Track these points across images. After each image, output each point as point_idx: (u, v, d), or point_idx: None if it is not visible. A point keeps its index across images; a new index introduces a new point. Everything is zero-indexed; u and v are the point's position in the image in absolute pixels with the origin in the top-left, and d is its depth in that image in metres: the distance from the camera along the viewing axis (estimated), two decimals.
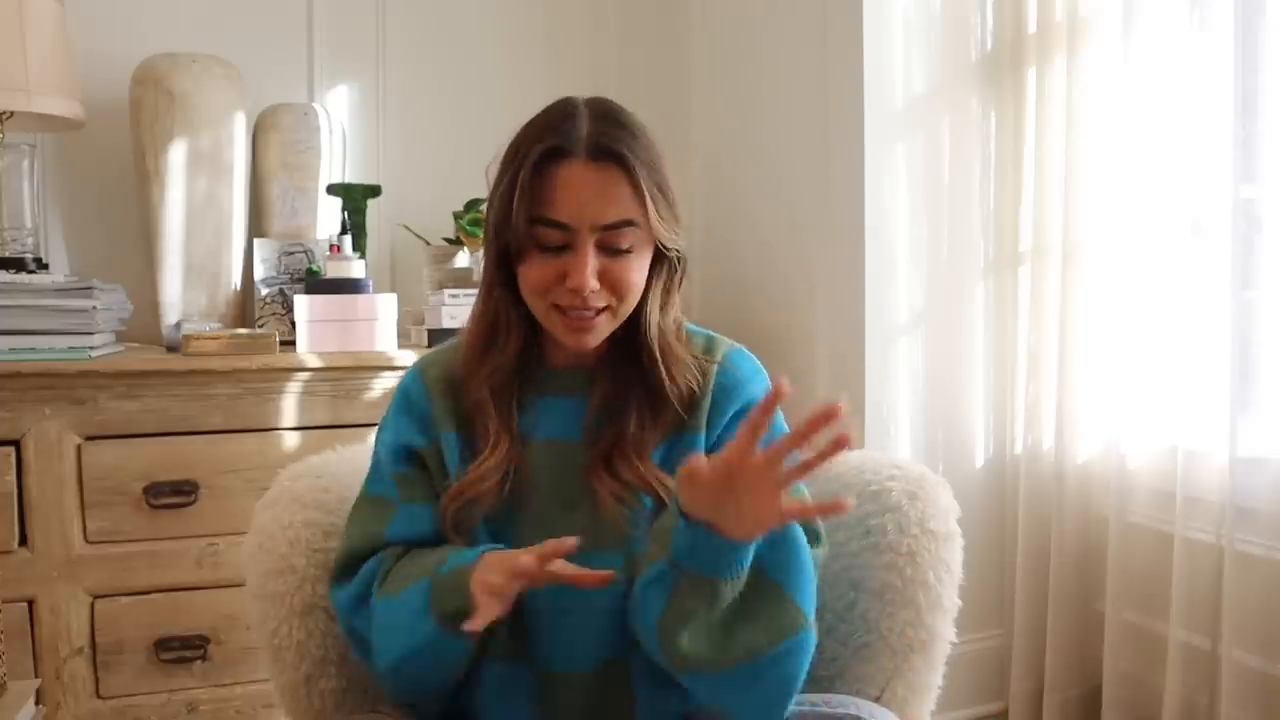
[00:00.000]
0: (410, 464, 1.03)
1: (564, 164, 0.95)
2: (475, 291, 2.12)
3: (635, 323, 1.02)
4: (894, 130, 1.96)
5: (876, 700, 1.12)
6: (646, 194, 0.95)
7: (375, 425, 1.87)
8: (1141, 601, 1.77)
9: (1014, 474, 2.04)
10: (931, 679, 1.17)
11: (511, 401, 1.02)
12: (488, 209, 1.03)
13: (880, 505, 1.17)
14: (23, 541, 1.69)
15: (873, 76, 1.93)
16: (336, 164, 2.24)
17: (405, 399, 1.07)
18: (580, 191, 0.94)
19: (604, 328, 0.99)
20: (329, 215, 2.20)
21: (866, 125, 1.93)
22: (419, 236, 2.25)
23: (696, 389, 1.02)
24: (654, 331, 1.01)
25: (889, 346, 1.98)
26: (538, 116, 1.00)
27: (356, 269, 1.99)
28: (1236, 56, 1.57)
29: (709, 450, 1.01)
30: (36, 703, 1.47)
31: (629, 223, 0.95)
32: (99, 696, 1.74)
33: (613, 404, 1.01)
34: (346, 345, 1.90)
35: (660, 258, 1.01)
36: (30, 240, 1.92)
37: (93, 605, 1.73)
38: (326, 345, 1.90)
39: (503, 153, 1.00)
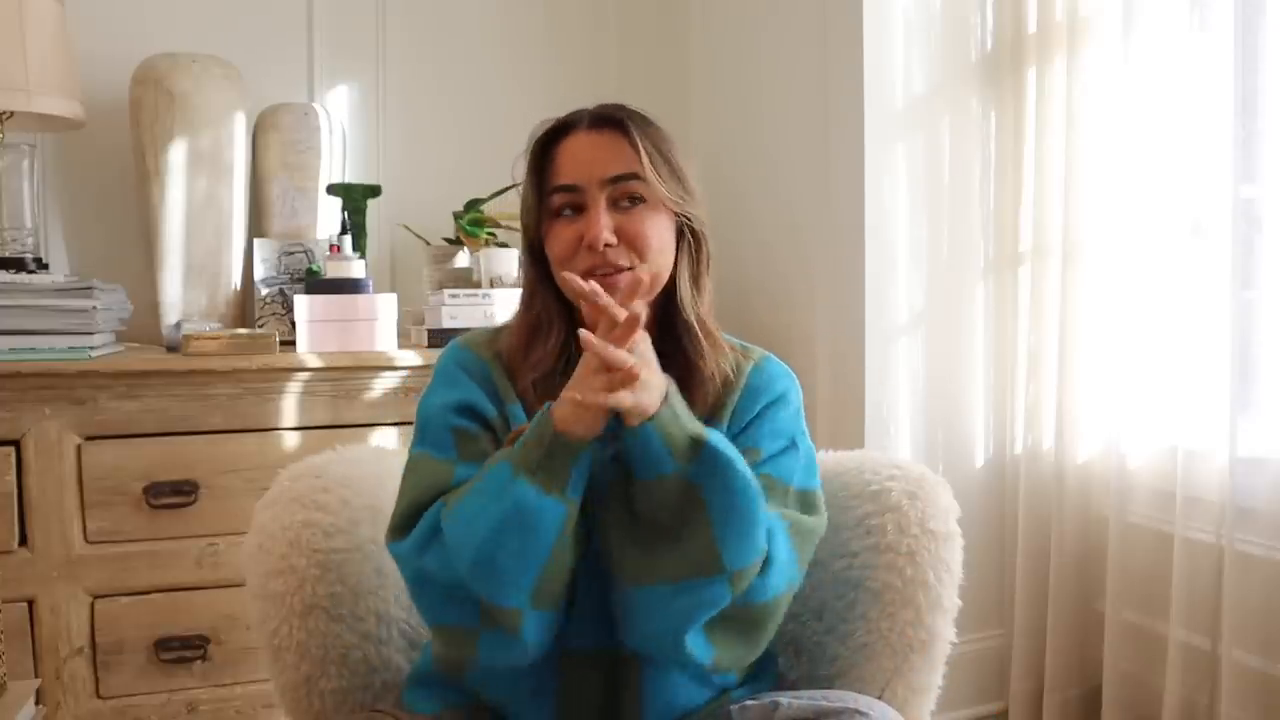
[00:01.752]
0: (471, 420, 1.01)
1: (568, 137, 1.03)
2: (475, 291, 2.14)
3: (671, 307, 1.04)
4: (894, 130, 1.96)
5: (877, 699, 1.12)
6: (642, 150, 1.00)
7: (375, 425, 1.90)
8: (1141, 601, 1.77)
9: (1014, 474, 2.03)
10: (931, 679, 1.17)
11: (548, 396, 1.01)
12: (521, 217, 1.07)
13: (880, 505, 1.17)
14: (23, 541, 1.69)
15: (873, 76, 1.93)
16: (336, 164, 2.24)
17: (460, 366, 1.05)
18: (584, 153, 1.01)
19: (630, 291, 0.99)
20: (329, 215, 2.20)
21: (866, 125, 1.93)
22: (419, 236, 2.25)
23: (731, 377, 1.05)
24: (689, 302, 1.04)
25: (889, 346, 1.98)
26: None
27: (356, 269, 1.98)
28: (1236, 56, 1.57)
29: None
30: (36, 703, 1.47)
31: (634, 175, 1.00)
32: (99, 696, 1.74)
33: None
34: (346, 345, 1.90)
35: (681, 234, 1.04)
36: (30, 240, 1.92)
37: (93, 605, 1.73)
38: (326, 345, 1.90)
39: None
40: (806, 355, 2.10)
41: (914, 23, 1.96)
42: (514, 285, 2.07)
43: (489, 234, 2.16)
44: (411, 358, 1.90)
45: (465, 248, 2.22)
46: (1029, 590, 1.95)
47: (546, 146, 1.03)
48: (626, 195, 1.00)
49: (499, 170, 2.21)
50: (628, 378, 0.87)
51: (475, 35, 2.43)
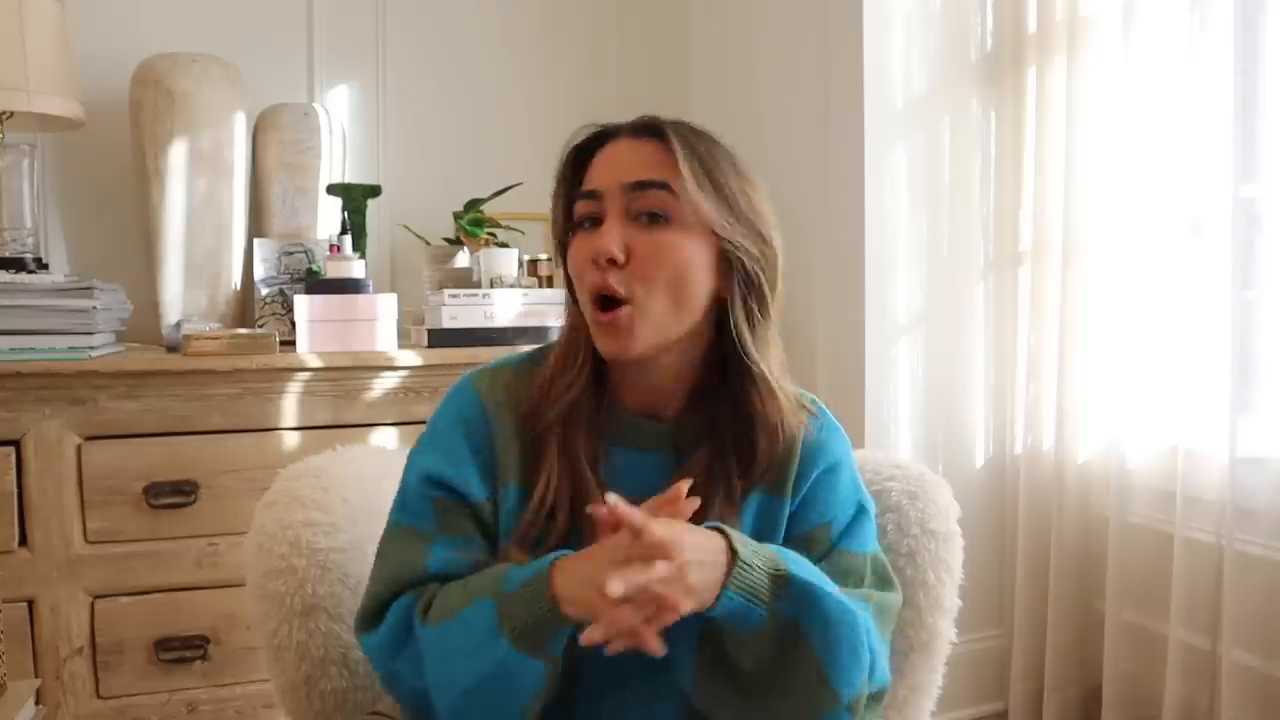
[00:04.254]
0: (451, 494, 0.92)
1: (606, 145, 0.93)
2: (475, 291, 2.14)
3: (730, 349, 0.92)
4: (894, 130, 1.96)
5: None
6: (680, 158, 0.87)
7: (375, 425, 1.89)
8: (1141, 601, 1.77)
9: (1014, 474, 2.04)
10: (931, 679, 1.17)
11: (578, 434, 0.92)
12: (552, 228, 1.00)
13: (880, 505, 1.17)
14: (23, 541, 1.69)
15: (873, 76, 1.93)
16: (336, 164, 2.24)
17: (462, 429, 0.94)
18: (614, 160, 0.91)
19: (633, 330, 0.88)
20: (329, 215, 2.20)
21: (866, 125, 1.93)
22: (419, 236, 2.25)
23: (793, 437, 0.94)
24: (750, 349, 0.91)
25: (889, 346, 1.98)
26: None
27: (356, 269, 1.98)
28: (1236, 56, 1.57)
29: (790, 515, 0.96)
30: (36, 703, 1.47)
31: (661, 184, 0.87)
32: (99, 696, 1.74)
33: (698, 473, 0.91)
34: (346, 345, 1.90)
35: (729, 267, 0.91)
36: (30, 240, 1.92)
37: (93, 605, 1.73)
38: (327, 345, 1.90)
39: None
40: (806, 355, 2.10)
41: (914, 22, 1.96)
42: (514, 285, 2.07)
43: (489, 234, 2.16)
44: (411, 358, 1.90)
45: (465, 248, 2.22)
46: (1029, 590, 1.95)
47: (584, 155, 0.93)
48: (651, 208, 0.88)
49: (499, 170, 2.22)
50: (664, 607, 0.78)
51: (475, 35, 2.43)
